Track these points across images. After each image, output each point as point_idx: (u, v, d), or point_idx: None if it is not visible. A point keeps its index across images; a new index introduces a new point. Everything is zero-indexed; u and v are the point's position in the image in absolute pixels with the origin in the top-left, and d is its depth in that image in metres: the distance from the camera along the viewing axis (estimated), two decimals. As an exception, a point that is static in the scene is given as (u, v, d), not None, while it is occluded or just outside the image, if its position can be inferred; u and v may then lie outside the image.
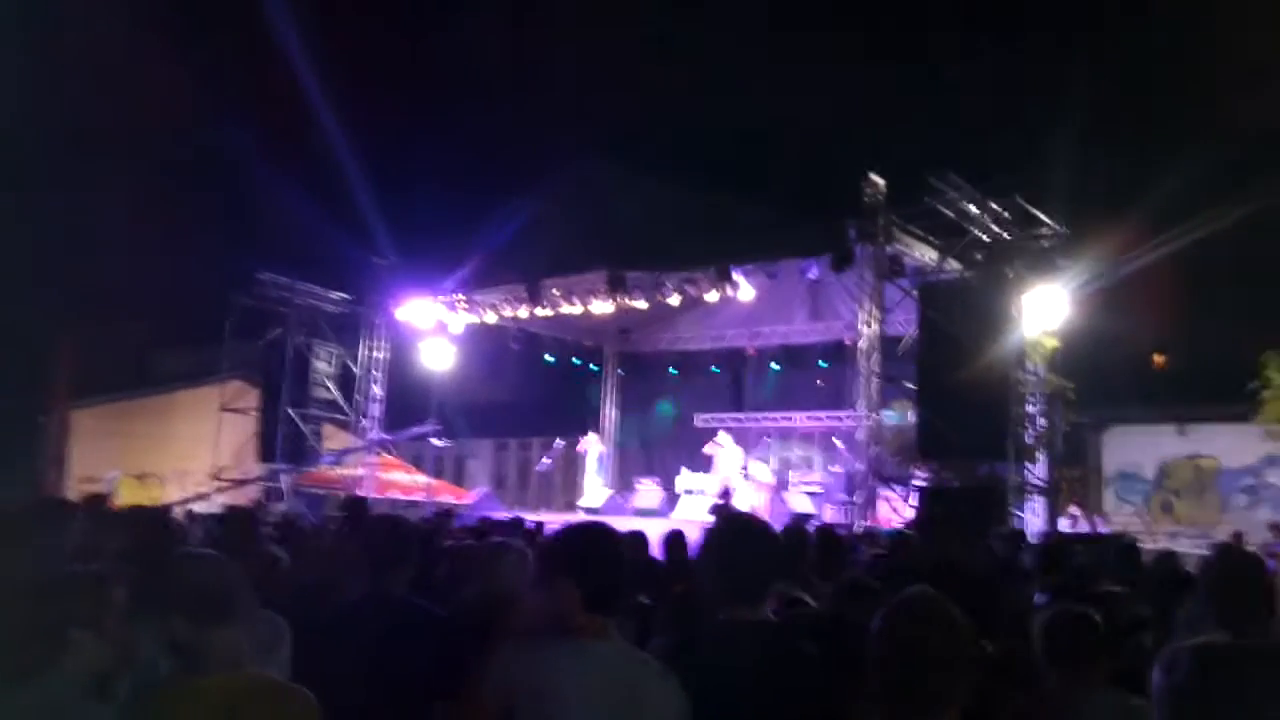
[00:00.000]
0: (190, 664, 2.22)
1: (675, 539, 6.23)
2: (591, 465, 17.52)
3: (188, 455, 18.49)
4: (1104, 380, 15.38)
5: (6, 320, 16.29)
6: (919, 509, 12.05)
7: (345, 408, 18.21)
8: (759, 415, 18.92)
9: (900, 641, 1.94)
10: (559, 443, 19.33)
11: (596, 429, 21.43)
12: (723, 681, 2.52)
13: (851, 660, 2.97)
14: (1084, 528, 15.29)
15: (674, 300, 15.65)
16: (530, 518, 12.03)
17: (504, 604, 4.73)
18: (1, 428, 17.15)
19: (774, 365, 18.83)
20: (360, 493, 15.66)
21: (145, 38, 16.71)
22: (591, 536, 2.70)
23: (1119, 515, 17.61)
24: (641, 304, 15.84)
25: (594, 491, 19.19)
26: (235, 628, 2.28)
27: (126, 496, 15.45)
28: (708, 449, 17.20)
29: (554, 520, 11.50)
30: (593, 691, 2.42)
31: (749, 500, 15.64)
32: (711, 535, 2.97)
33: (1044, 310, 12.78)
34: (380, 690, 3.23)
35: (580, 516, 12.97)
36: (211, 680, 2.19)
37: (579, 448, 18.37)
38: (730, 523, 3.08)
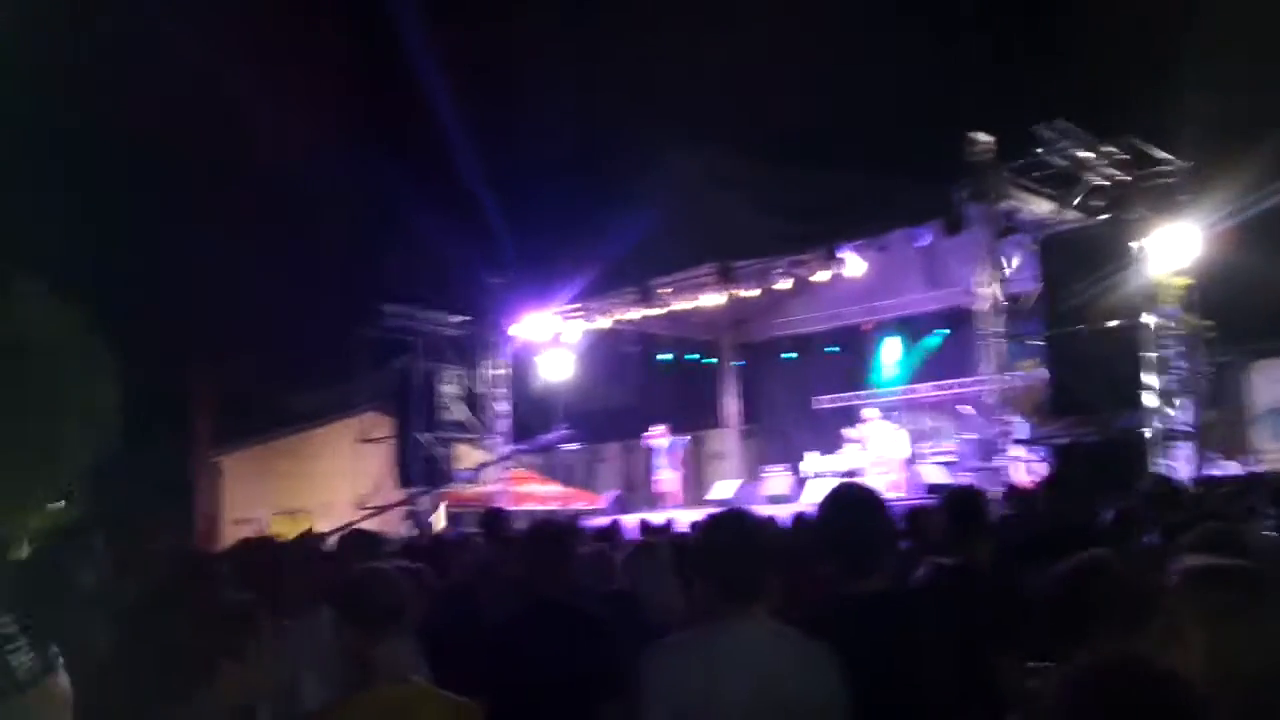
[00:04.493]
0: (361, 674, 2.32)
1: (799, 522, 6.21)
2: (662, 460, 17.45)
3: (331, 488, 19.16)
4: (1245, 317, 14.66)
5: (150, 372, 17.11)
6: (1051, 468, 11.71)
7: (474, 426, 18.64)
8: (882, 391, 18.60)
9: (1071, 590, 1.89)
10: (682, 439, 19.31)
11: (719, 421, 21.43)
12: (850, 657, 2.51)
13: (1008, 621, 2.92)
14: (1234, 470, 14.61)
15: (784, 285, 15.53)
16: (659, 516, 12.16)
17: (645, 602, 4.81)
18: (156, 478, 18.06)
19: (892, 340, 18.49)
20: (497, 505, 15.99)
21: (251, 66, 17.26)
22: (715, 526, 2.71)
23: (1270, 452, 16.77)
24: (752, 292, 15.78)
25: (722, 483, 19.18)
26: (402, 639, 2.37)
27: (279, 533, 16.08)
28: (854, 431, 16.88)
29: (682, 515, 11.56)
30: (745, 675, 2.44)
31: (882, 477, 15.40)
32: (820, 512, 2.97)
33: (1174, 250, 12.25)
34: (545, 696, 3.30)
35: (705, 511, 12.96)
36: (378, 692, 2.29)
37: (644, 441, 18.30)
38: (836, 497, 3.06)
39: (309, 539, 7.04)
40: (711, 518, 2.76)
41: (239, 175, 19.37)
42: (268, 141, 19.14)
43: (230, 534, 16.28)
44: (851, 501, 2.92)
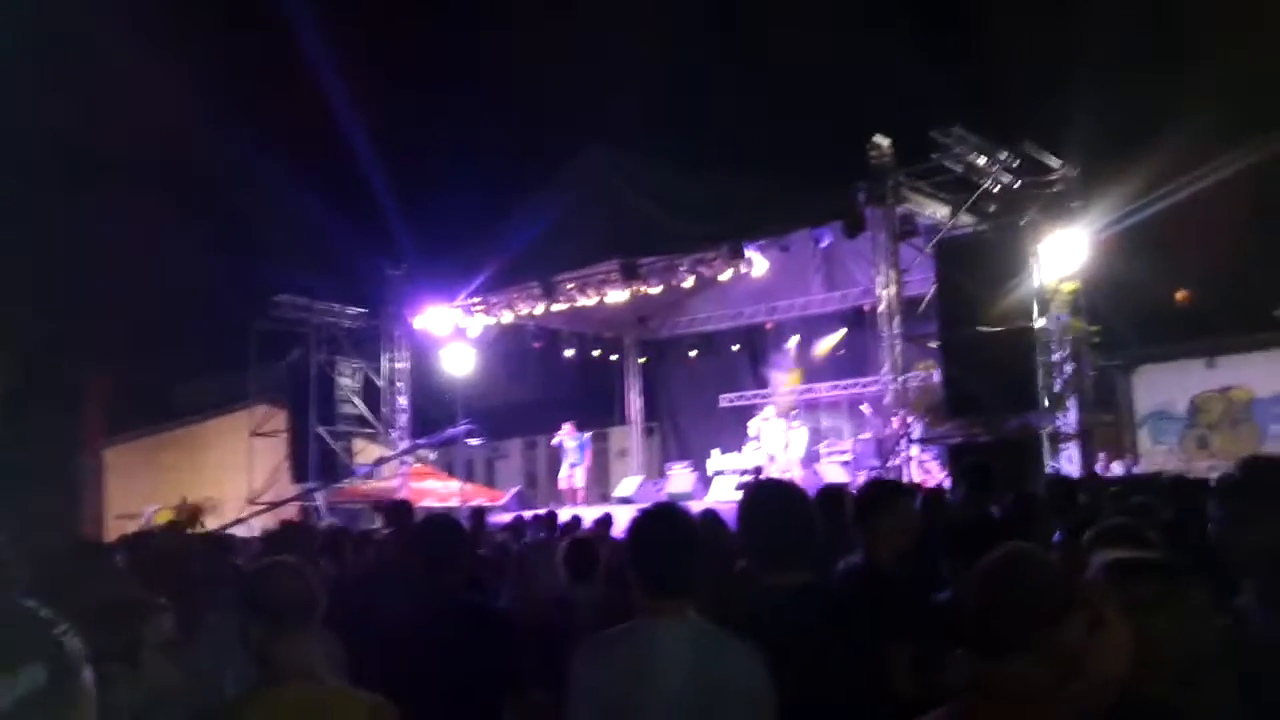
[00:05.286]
0: (266, 674, 2.22)
1: (709, 518, 6.24)
2: (568, 457, 17.48)
3: (222, 483, 18.62)
4: (1129, 322, 15.25)
5: (35, 365, 16.40)
6: (950, 467, 11.99)
7: (373, 421, 18.32)
8: (782, 390, 18.84)
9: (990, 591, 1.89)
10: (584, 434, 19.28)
11: (623, 419, 21.46)
12: (773, 648, 2.50)
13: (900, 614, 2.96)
14: (1118, 471, 15.19)
15: (688, 283, 15.61)
16: (565, 512, 12.12)
17: (556, 599, 4.76)
18: (37, 472, 17.29)
19: (792, 339, 18.76)
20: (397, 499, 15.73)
21: (149, 52, 16.67)
22: (645, 521, 2.67)
23: (1154, 456, 17.49)
24: (656, 289, 15.81)
25: (626, 480, 19.21)
26: (309, 637, 2.28)
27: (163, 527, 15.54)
28: (753, 424, 17.03)
29: (587, 513, 11.53)
30: (672, 673, 2.41)
31: (781, 475, 15.60)
32: (745, 503, 2.97)
33: (1063, 256, 12.66)
34: (451, 692, 3.22)
35: (609, 508, 12.96)
36: (288, 689, 2.20)
37: (553, 440, 18.29)
38: (762, 489, 3.07)
39: (203, 530, 6.79)
40: (643, 513, 2.71)
41: (131, 162, 18.72)
42: (160, 128, 18.54)
43: (114, 529, 15.64)
44: (773, 495, 2.92)
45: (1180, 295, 19.10)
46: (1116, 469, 15.45)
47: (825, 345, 18.40)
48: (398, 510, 6.59)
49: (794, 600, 2.69)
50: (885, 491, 3.90)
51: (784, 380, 18.76)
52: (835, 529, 3.84)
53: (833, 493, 5.28)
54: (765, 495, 2.95)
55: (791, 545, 2.79)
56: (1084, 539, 2.74)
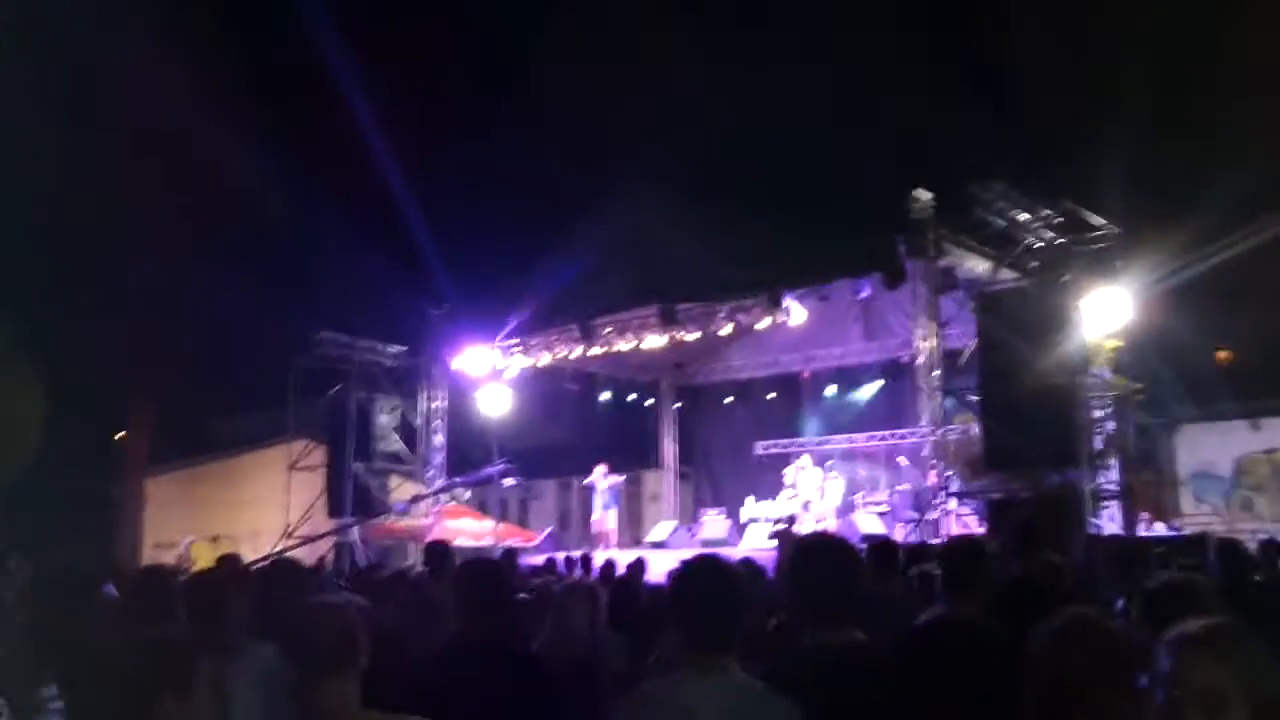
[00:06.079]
0: (305, 716, 2.22)
1: (748, 568, 6.21)
2: (601, 499, 17.45)
3: (259, 516, 18.77)
4: (1173, 381, 15.05)
5: (77, 393, 16.69)
6: (991, 522, 11.85)
7: (409, 458, 18.43)
8: (819, 439, 18.75)
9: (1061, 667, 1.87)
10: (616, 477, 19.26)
11: (657, 463, 21.40)
12: (819, 712, 2.48)
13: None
14: (1161, 531, 14.91)
15: (726, 330, 15.63)
16: (598, 555, 12.07)
17: (590, 642, 4.75)
18: (77, 500, 17.55)
19: (830, 389, 18.69)
20: (431, 539, 15.77)
21: (195, 97, 17.08)
22: (689, 574, 2.64)
23: (1197, 515, 17.17)
24: (694, 336, 15.84)
25: (660, 525, 19.13)
26: (348, 681, 2.27)
27: (201, 560, 15.69)
28: (789, 472, 16.94)
29: (621, 556, 11.49)
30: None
31: (817, 525, 15.46)
32: (795, 557, 2.94)
33: (1105, 313, 12.56)
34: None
35: (642, 552, 12.91)
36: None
37: (585, 481, 18.27)
38: (813, 543, 3.05)
39: (236, 565, 6.83)
40: (686, 565, 2.68)
41: (180, 200, 19.13)
42: (211, 169, 18.94)
43: (150, 558, 15.80)
44: (823, 550, 2.90)
45: (1221, 355, 18.85)
46: (1160, 529, 15.18)
47: (862, 395, 18.32)
48: (436, 551, 6.61)
49: (845, 660, 2.66)
50: (977, 548, 3.82)
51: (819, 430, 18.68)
52: (884, 582, 3.76)
53: (884, 546, 5.23)
54: (816, 550, 2.92)
55: (841, 602, 2.76)
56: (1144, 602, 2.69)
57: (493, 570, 3.84)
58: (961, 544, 4.07)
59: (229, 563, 6.70)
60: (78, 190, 15.96)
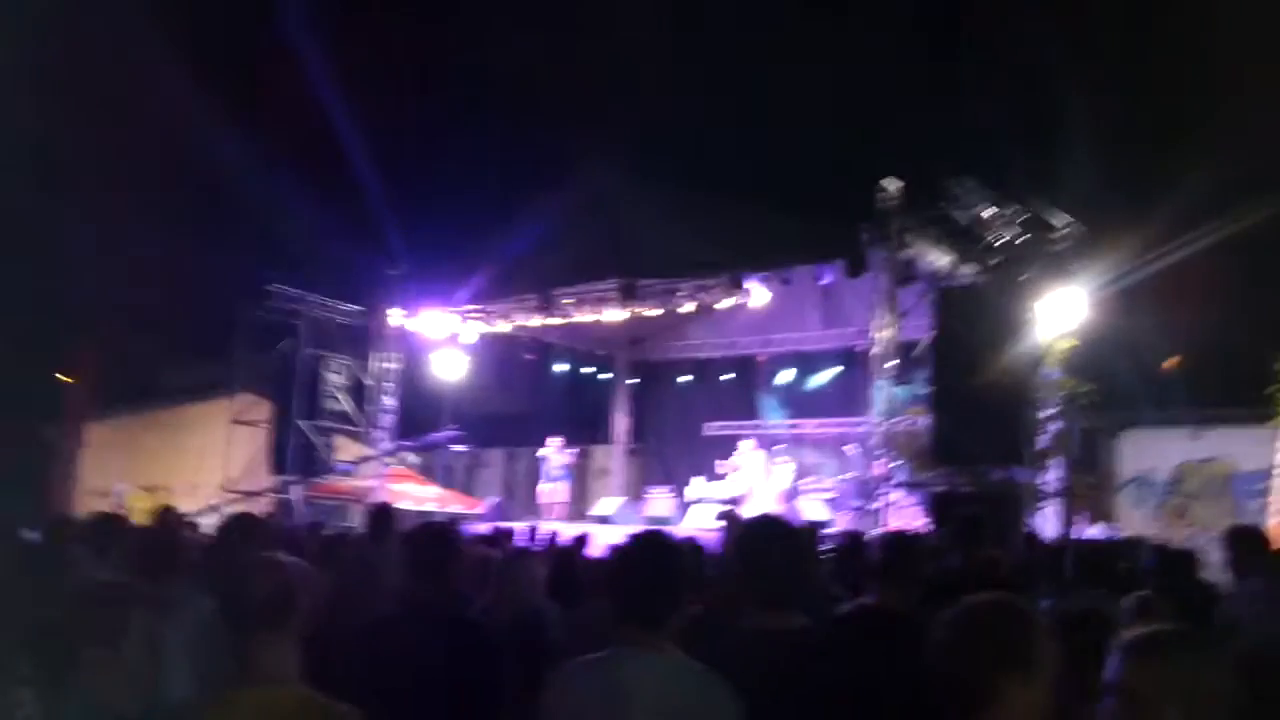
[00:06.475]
0: (239, 671, 2.14)
1: (691, 547, 6.17)
2: (553, 472, 17.41)
3: (198, 468, 18.47)
4: (1120, 384, 15.24)
5: (18, 337, 16.28)
6: (934, 515, 11.95)
7: (357, 419, 18.20)
8: (771, 423, 18.79)
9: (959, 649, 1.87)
10: (570, 451, 19.19)
11: (607, 438, 21.37)
12: (754, 696, 2.43)
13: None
14: (1095, 533, 15.13)
15: (687, 308, 15.59)
16: (544, 526, 12.03)
17: (531, 612, 4.69)
18: (14, 443, 17.15)
19: (785, 374, 18.72)
20: (373, 500, 15.62)
21: (147, 42, 16.66)
22: (633, 550, 2.60)
23: (1132, 520, 17.44)
24: (654, 312, 15.80)
25: (606, 500, 19.11)
26: (284, 638, 2.19)
27: (136, 509, 15.41)
28: (730, 461, 16.93)
29: (565, 529, 11.45)
30: (645, 707, 2.34)
31: (762, 508, 15.51)
32: (746, 538, 2.90)
33: (1061, 312, 12.66)
34: (428, 704, 3.15)
35: (587, 526, 12.88)
36: (251, 693, 2.11)
37: (539, 453, 18.23)
38: (764, 525, 3.01)
39: (171, 516, 6.68)
40: (631, 540, 2.63)
41: (131, 142, 18.65)
42: (162, 111, 18.50)
43: (85, 505, 15.49)
44: (776, 534, 2.85)
45: (1168, 363, 19.09)
46: (1094, 531, 15.39)
47: (816, 381, 18.37)
48: (380, 515, 6.50)
49: (792, 643, 2.62)
50: (909, 541, 3.86)
51: (771, 413, 18.72)
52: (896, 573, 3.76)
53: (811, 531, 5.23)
54: (768, 532, 2.88)
55: (791, 586, 2.72)
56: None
57: (446, 535, 3.78)
58: (896, 537, 4.13)
59: (165, 514, 6.56)
60: (21, 131, 15.47)
